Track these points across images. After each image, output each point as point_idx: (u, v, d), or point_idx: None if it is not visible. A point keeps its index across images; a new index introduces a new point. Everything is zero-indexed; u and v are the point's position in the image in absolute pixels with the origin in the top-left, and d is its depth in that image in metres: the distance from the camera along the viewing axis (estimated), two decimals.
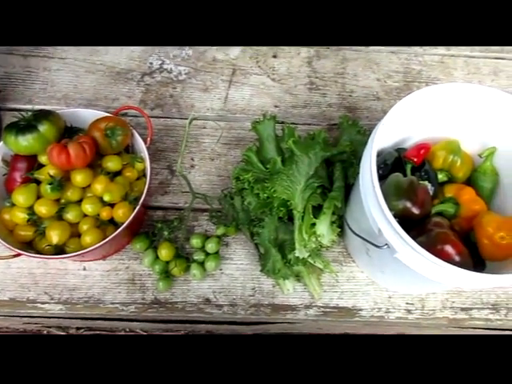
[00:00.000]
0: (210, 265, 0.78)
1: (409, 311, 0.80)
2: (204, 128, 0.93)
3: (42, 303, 0.77)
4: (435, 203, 0.72)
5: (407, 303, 0.80)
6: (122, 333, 1.02)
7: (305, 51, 1.04)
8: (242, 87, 0.99)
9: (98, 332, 1.03)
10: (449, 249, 0.61)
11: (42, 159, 0.73)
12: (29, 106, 0.91)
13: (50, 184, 0.68)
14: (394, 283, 0.79)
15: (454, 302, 0.80)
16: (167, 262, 0.78)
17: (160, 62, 1.01)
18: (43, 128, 0.70)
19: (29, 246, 0.71)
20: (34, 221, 0.69)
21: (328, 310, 0.79)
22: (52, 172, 0.69)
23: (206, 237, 0.80)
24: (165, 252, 0.77)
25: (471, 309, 0.80)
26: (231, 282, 0.80)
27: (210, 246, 0.78)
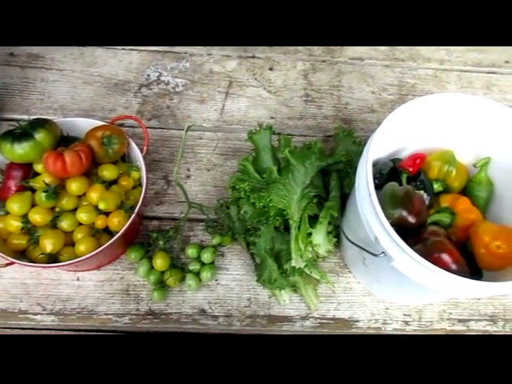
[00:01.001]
0: (205, 275, 0.77)
1: (406, 323, 0.79)
2: (200, 139, 0.94)
3: (34, 314, 0.76)
4: (431, 213, 0.72)
5: (404, 314, 0.79)
6: None
7: (300, 64, 1.06)
8: (239, 99, 1.00)
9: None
10: (445, 257, 0.61)
11: (38, 168, 0.72)
12: (25, 117, 0.90)
13: (45, 192, 0.68)
14: (391, 294, 0.78)
15: (451, 313, 0.80)
16: (162, 272, 0.77)
17: (157, 74, 1.02)
18: (39, 136, 0.69)
19: (22, 255, 0.70)
20: (28, 229, 0.69)
21: (324, 321, 0.78)
22: (47, 180, 0.69)
23: (202, 247, 0.80)
24: (160, 262, 0.76)
25: (468, 320, 0.80)
26: (227, 292, 0.79)
27: (206, 256, 0.78)
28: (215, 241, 0.80)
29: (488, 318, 0.80)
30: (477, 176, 0.74)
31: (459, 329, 0.79)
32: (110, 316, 0.76)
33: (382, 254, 0.59)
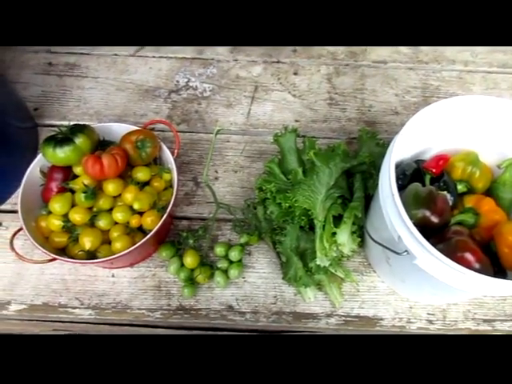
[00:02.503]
0: (233, 273, 0.80)
1: (430, 322, 0.80)
2: (227, 142, 0.97)
3: (73, 308, 0.81)
4: (455, 214, 0.73)
5: (428, 313, 0.80)
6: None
7: (324, 68, 1.08)
8: (264, 103, 1.03)
9: None
10: (468, 256, 0.62)
11: (77, 170, 0.77)
12: (64, 122, 0.97)
13: (84, 192, 0.72)
14: (415, 293, 0.79)
15: (475, 313, 0.80)
16: (192, 270, 0.80)
17: (186, 80, 1.06)
18: (79, 141, 0.74)
19: (63, 253, 0.75)
20: (69, 228, 0.73)
21: (349, 319, 0.80)
22: (86, 181, 0.74)
23: (230, 245, 0.83)
24: (190, 260, 0.79)
25: (494, 320, 0.80)
26: (253, 289, 0.82)
27: (234, 255, 0.81)
28: (242, 240, 0.83)
29: None
30: (501, 177, 0.74)
31: (484, 329, 0.79)
32: (143, 311, 0.80)
33: (405, 253, 0.61)
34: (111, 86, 1.05)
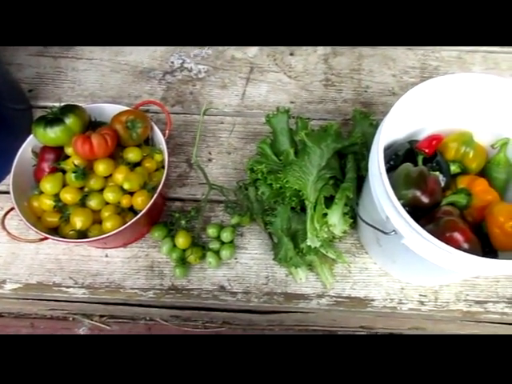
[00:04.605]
0: (224, 253, 0.81)
1: (422, 303, 0.80)
2: (221, 123, 0.96)
3: (67, 287, 0.82)
4: (447, 194, 0.72)
5: (420, 295, 0.80)
6: (143, 321, 1.06)
7: (321, 49, 1.06)
8: (259, 84, 1.02)
9: (120, 320, 1.08)
10: (457, 236, 0.62)
11: (68, 151, 0.77)
12: (58, 104, 0.96)
13: (74, 172, 0.73)
14: (406, 273, 0.79)
15: (468, 294, 0.80)
16: (184, 250, 0.81)
17: (181, 61, 1.05)
18: (69, 121, 0.74)
19: (55, 232, 0.75)
20: (60, 207, 0.74)
21: (340, 299, 0.80)
22: (76, 162, 0.74)
23: (222, 227, 0.83)
24: (182, 240, 0.80)
25: (486, 302, 0.80)
26: (245, 270, 0.82)
27: (225, 236, 0.81)
28: (234, 221, 0.83)
29: (506, 300, 0.79)
30: (495, 157, 0.73)
31: (476, 310, 0.79)
32: (136, 290, 0.81)
33: (393, 232, 0.61)
34: (106, 67, 1.05)
